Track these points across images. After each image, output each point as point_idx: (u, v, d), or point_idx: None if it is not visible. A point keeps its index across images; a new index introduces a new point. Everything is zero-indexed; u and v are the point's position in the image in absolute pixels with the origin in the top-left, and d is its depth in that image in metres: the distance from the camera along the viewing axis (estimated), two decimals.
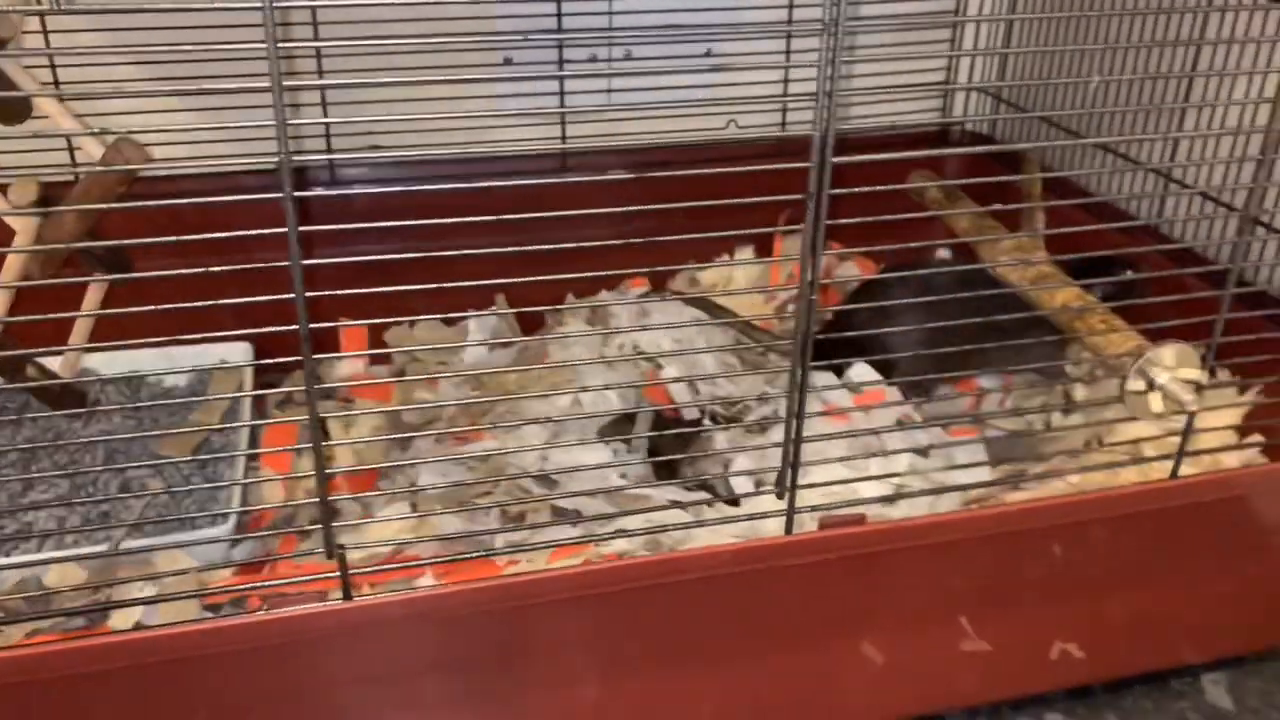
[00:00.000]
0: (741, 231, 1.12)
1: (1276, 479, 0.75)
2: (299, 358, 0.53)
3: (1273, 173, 0.66)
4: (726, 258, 1.21)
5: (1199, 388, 0.67)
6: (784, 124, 1.24)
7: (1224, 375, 0.86)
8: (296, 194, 0.50)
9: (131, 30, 0.90)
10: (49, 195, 0.76)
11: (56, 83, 0.97)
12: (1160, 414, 0.67)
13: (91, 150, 0.72)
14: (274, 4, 0.45)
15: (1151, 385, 0.67)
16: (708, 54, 1.17)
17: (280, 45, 0.48)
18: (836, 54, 0.54)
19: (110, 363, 0.99)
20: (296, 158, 0.50)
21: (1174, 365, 0.67)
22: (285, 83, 0.48)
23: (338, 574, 0.59)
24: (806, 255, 0.58)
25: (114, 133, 0.67)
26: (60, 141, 0.95)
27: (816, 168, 0.56)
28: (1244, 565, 0.81)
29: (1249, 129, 0.65)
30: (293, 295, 0.52)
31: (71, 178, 0.88)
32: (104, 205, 0.68)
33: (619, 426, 0.93)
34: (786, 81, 1.20)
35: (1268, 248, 0.88)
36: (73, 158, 0.97)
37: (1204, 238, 0.97)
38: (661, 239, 0.60)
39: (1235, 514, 0.76)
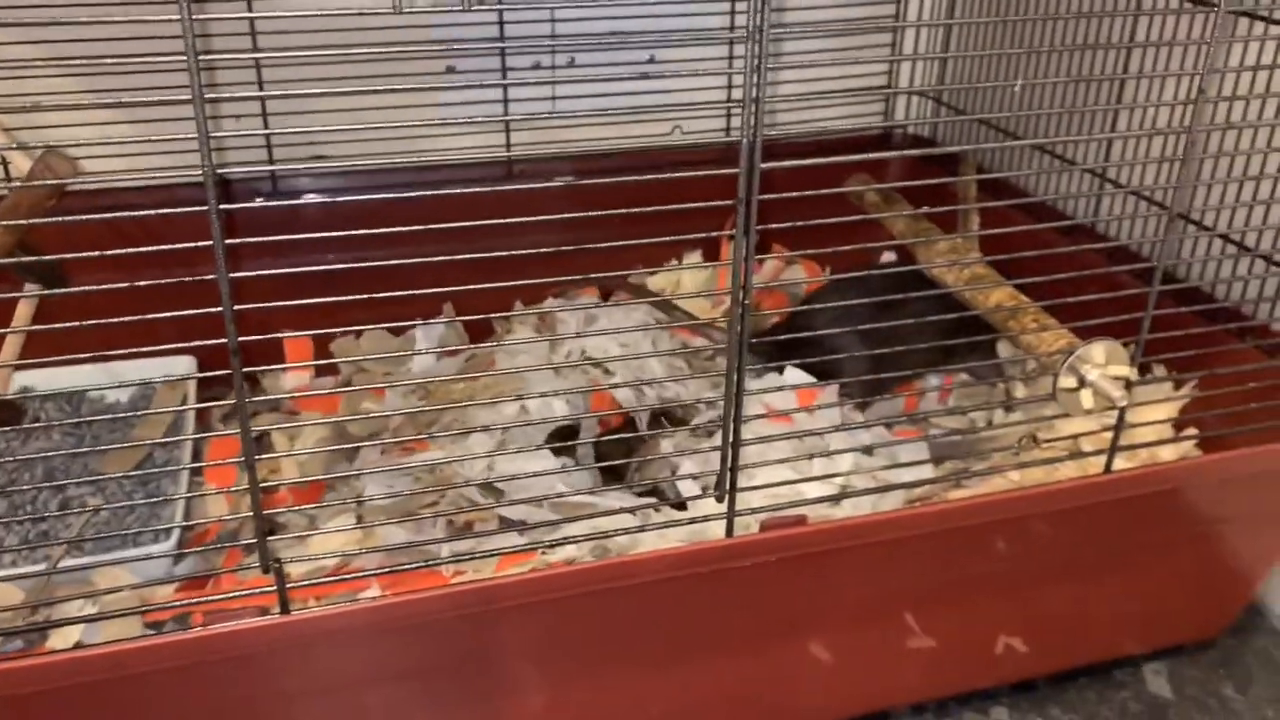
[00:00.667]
0: (686, 236, 1.12)
1: (1209, 471, 0.77)
2: (229, 371, 0.52)
3: (1200, 172, 0.67)
4: (674, 263, 1.22)
5: (1128, 384, 0.68)
6: (728, 129, 1.25)
7: (1160, 370, 0.87)
8: (223, 206, 0.49)
9: (59, 43, 0.88)
10: None
11: None
12: (1091, 410, 0.68)
13: (20, 164, 0.71)
14: (193, 17, 0.45)
15: (1083, 382, 0.68)
16: (650, 60, 1.18)
17: (213, 56, 0.48)
18: (763, 60, 0.55)
19: (50, 380, 0.97)
20: (223, 169, 0.50)
21: (1104, 362, 0.68)
22: (213, 95, 0.48)
23: (274, 588, 0.58)
24: (739, 260, 0.59)
25: (40, 146, 0.66)
26: None
27: (745, 173, 0.56)
28: (1181, 557, 0.82)
29: (1175, 129, 0.67)
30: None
31: (3, 192, 0.87)
32: (32, 220, 0.67)
33: (564, 435, 0.93)
34: (730, 88, 1.21)
35: (1198, 244, 0.90)
36: (6, 171, 0.96)
37: (1138, 236, 0.99)
38: (606, 244, 0.61)
39: (1170, 506, 0.78)
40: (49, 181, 0.60)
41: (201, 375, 0.92)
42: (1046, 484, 0.74)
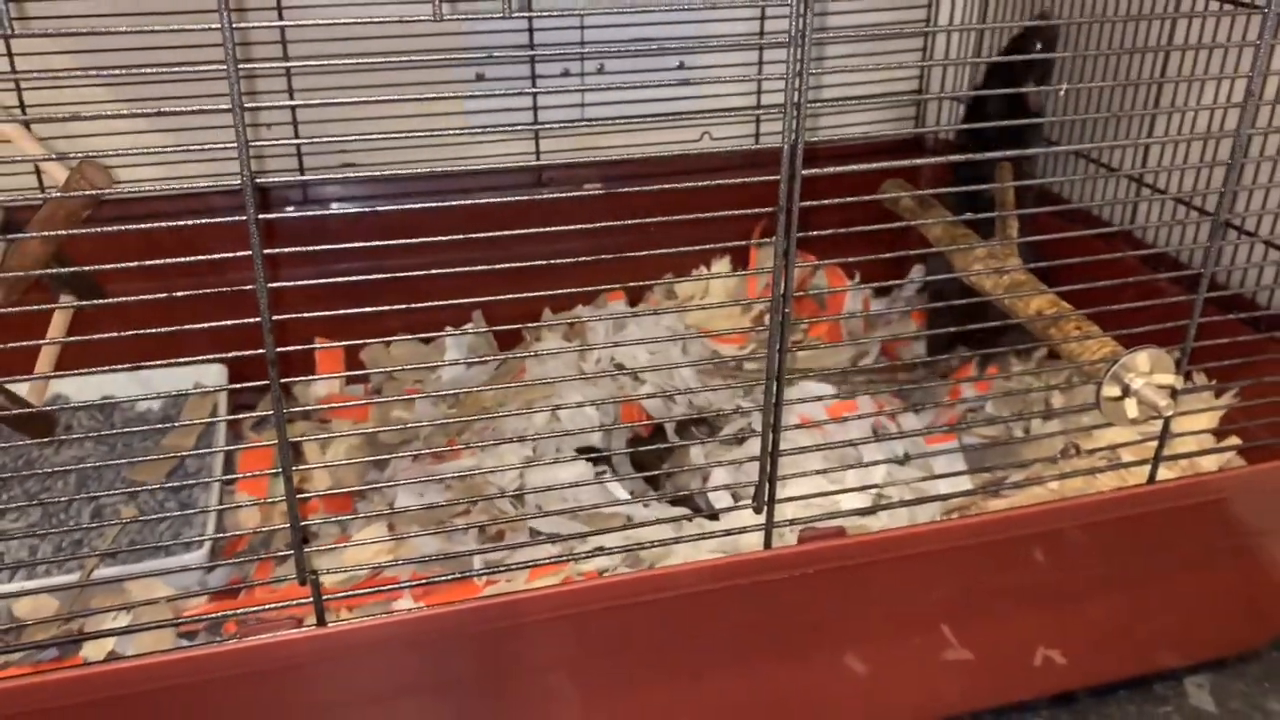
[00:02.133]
0: (714, 246, 1.12)
1: (1253, 481, 0.75)
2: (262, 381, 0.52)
3: (1242, 177, 0.66)
4: (703, 270, 1.21)
5: (1174, 393, 0.67)
6: (758, 136, 1.24)
7: (1200, 379, 0.86)
8: (261, 215, 0.49)
9: (95, 52, 0.89)
10: (13, 220, 0.75)
11: (22, 106, 0.96)
12: (1135, 420, 0.67)
13: (56, 175, 0.71)
14: (234, 25, 0.45)
15: (1127, 391, 0.67)
16: (680, 67, 1.17)
17: (245, 65, 0.47)
18: (805, 65, 0.54)
19: (82, 389, 0.98)
20: (261, 178, 0.49)
21: (1149, 371, 0.67)
22: (249, 103, 0.47)
23: (310, 600, 0.58)
24: (779, 268, 0.58)
25: (76, 156, 0.66)
26: (26, 166, 0.94)
27: (785, 180, 0.55)
28: (1223, 568, 0.81)
29: (1218, 134, 0.65)
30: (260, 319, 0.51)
31: (39, 203, 0.87)
32: (68, 232, 0.67)
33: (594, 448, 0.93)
34: (759, 94, 1.20)
35: (1239, 251, 0.89)
36: (40, 182, 0.96)
37: (1177, 243, 0.98)
38: (635, 254, 0.60)
39: (1213, 517, 0.76)
40: (85, 192, 0.60)
41: (234, 387, 0.91)
42: (1088, 494, 0.72)
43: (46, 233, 0.65)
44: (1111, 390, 0.68)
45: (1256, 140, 0.85)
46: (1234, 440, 0.84)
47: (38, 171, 0.96)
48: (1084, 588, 0.78)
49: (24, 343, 0.58)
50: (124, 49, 0.59)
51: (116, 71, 0.47)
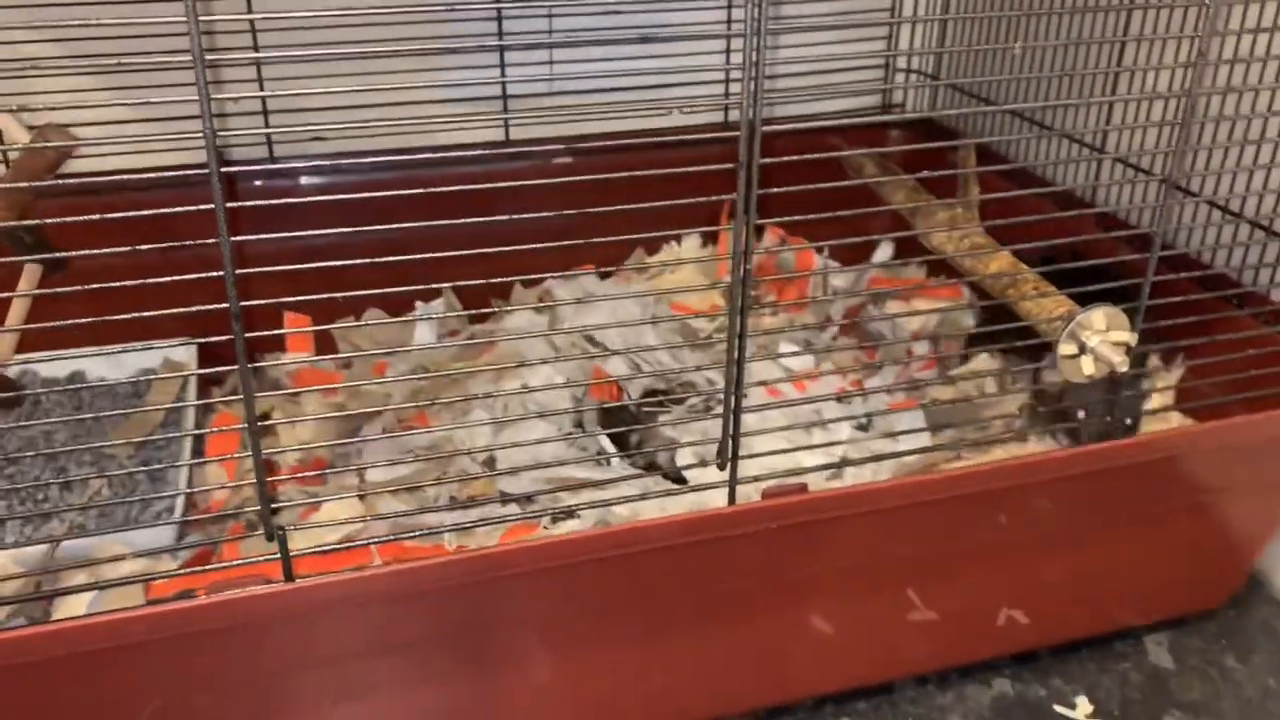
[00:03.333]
0: (679, 231, 1.13)
1: (1207, 439, 0.77)
2: (230, 338, 0.52)
3: (1192, 137, 0.67)
4: (674, 245, 1.22)
5: (1129, 349, 0.68)
6: (726, 119, 1.25)
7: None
8: (224, 169, 0.49)
9: (47, 6, 0.88)
10: None
11: None
12: (1092, 376, 0.68)
13: (15, 133, 0.71)
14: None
15: (1083, 349, 0.68)
16: (643, 41, 1.17)
17: (214, 18, 0.48)
18: (763, 23, 0.55)
19: (51, 368, 0.98)
20: (223, 139, 0.50)
21: (1105, 328, 0.68)
22: (213, 77, 0.48)
23: (278, 556, 0.58)
24: (739, 224, 0.59)
25: (32, 110, 0.66)
26: None
27: (745, 138, 0.56)
28: (1180, 527, 0.83)
29: (1174, 93, 0.67)
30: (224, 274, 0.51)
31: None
32: (33, 183, 0.67)
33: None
34: (728, 81, 1.21)
35: (1187, 211, 0.90)
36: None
37: (1134, 202, 0.99)
38: (605, 220, 0.61)
39: (1169, 475, 0.78)
40: (51, 143, 0.60)
41: (203, 342, 0.91)
42: (1045, 453, 0.74)
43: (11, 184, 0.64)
44: (1068, 348, 0.69)
45: (1207, 103, 0.87)
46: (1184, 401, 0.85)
47: None
48: (1044, 547, 0.79)
49: None
50: (74, 3, 0.58)
51: (74, 26, 0.47)
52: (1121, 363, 0.68)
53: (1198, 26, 0.63)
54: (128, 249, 0.51)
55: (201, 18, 0.47)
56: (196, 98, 0.48)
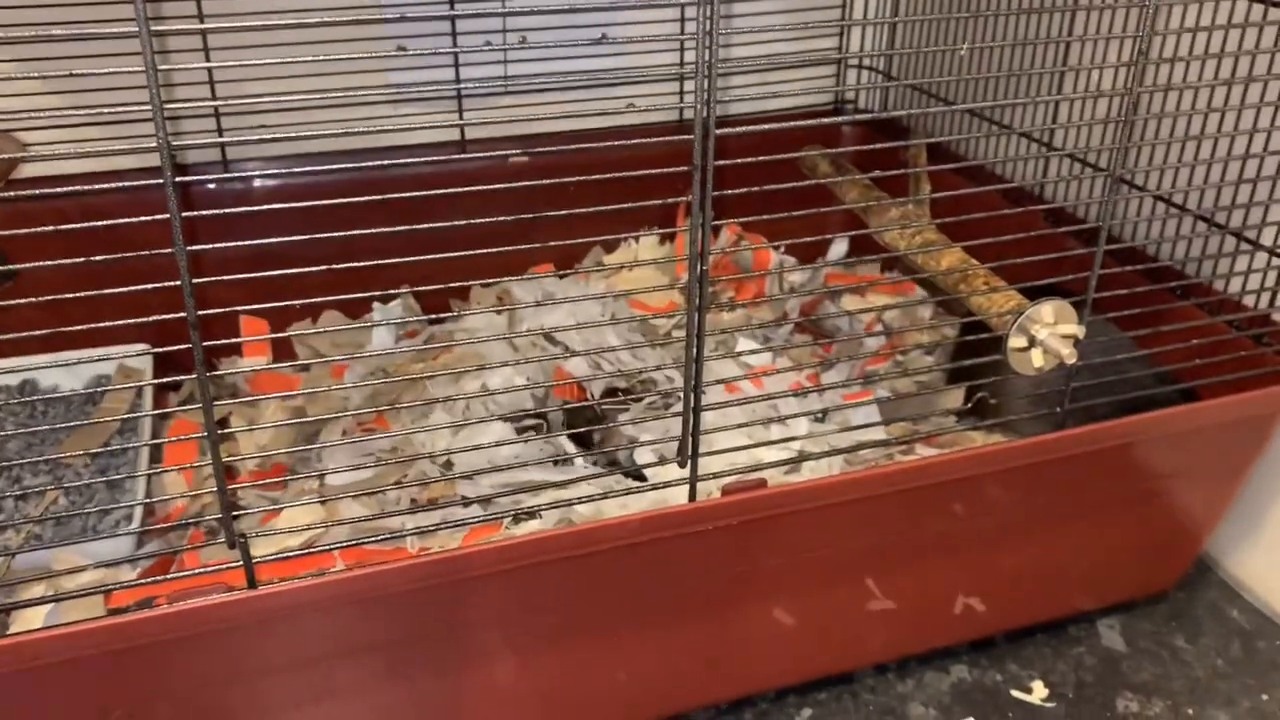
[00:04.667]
0: (635, 234, 1.13)
1: (1154, 427, 0.79)
2: (188, 345, 0.52)
3: (1135, 133, 0.69)
4: (632, 244, 1.23)
5: (1077, 341, 0.70)
6: (681, 115, 1.26)
7: None
8: (179, 179, 0.49)
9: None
10: None
11: None
12: (1041, 368, 0.70)
13: None
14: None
15: (1033, 342, 0.70)
16: (602, 39, 1.18)
17: (163, 18, 0.47)
18: (715, 23, 0.55)
19: (2, 378, 0.97)
20: (177, 141, 0.50)
21: (1053, 321, 0.70)
22: (162, 66, 0.48)
23: (240, 563, 0.58)
24: (695, 226, 0.59)
25: None
26: None
27: (699, 138, 0.57)
28: (1130, 513, 0.85)
29: (1117, 90, 0.68)
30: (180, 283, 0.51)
31: None
32: None
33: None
34: (682, 79, 1.21)
35: (1132, 205, 0.92)
36: None
37: (1080, 198, 1.02)
38: (559, 218, 0.61)
39: (1118, 463, 0.80)
40: (1, 153, 0.59)
41: (159, 350, 0.91)
42: (996, 444, 0.75)
43: None
44: (1018, 341, 0.70)
45: (1149, 100, 0.89)
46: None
47: None
48: (999, 535, 0.81)
49: None
50: (20, 6, 0.57)
51: (19, 28, 0.46)
52: (1070, 355, 0.69)
53: (1139, 27, 0.65)
54: (83, 259, 0.50)
55: (158, 29, 0.46)
56: (149, 103, 0.47)
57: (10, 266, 0.70)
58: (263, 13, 0.96)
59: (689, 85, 1.17)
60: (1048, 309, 0.70)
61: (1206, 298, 0.87)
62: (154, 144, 0.47)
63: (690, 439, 0.66)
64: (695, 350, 0.63)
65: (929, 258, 0.77)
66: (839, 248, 1.22)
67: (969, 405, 0.82)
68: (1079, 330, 0.70)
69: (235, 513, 0.58)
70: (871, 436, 0.85)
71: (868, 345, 1.04)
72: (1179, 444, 0.81)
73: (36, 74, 0.48)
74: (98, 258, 0.51)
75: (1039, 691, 0.83)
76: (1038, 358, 0.70)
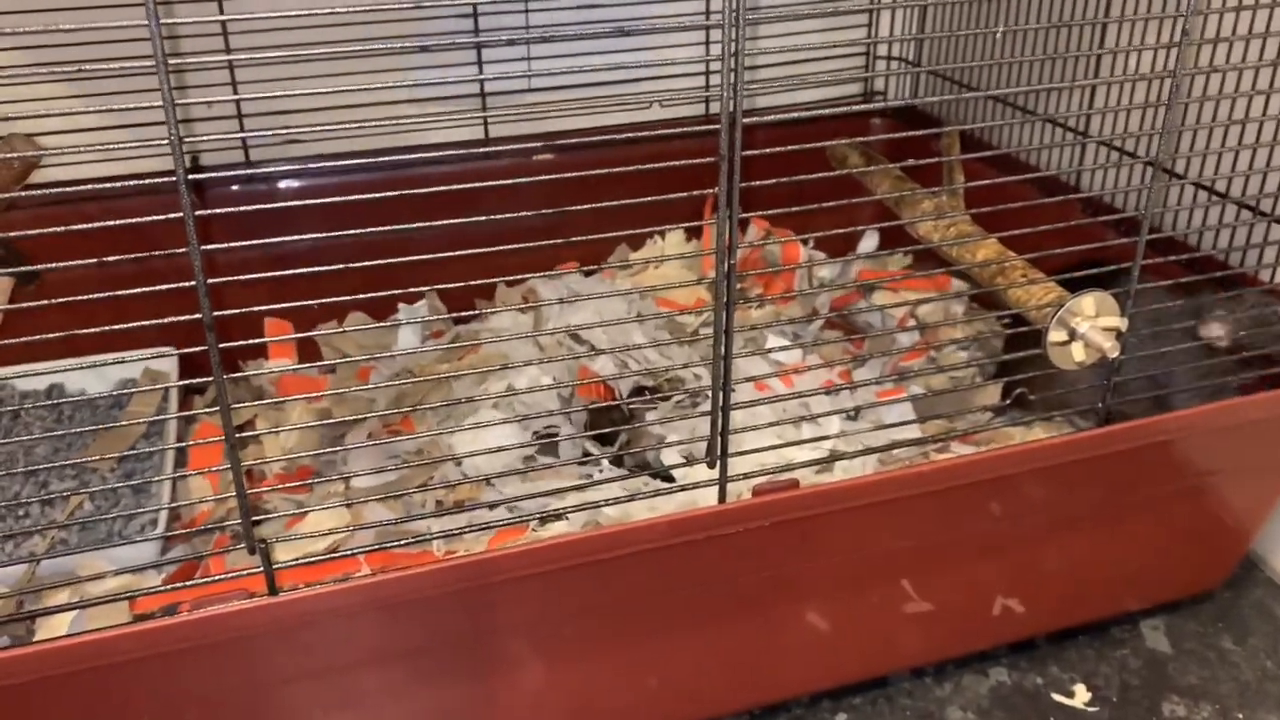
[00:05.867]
0: (664, 227, 1.12)
1: (1201, 422, 0.76)
2: (203, 347, 0.51)
3: (1177, 119, 0.67)
4: (658, 241, 1.21)
5: (1119, 334, 0.68)
6: (707, 114, 1.24)
7: None
8: (192, 177, 0.48)
9: (11, 14, 0.86)
10: None
11: None
12: (1083, 363, 0.68)
13: None
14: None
15: (1073, 335, 0.68)
16: (623, 34, 1.17)
17: (176, 21, 0.47)
18: (741, 13, 0.54)
19: (30, 382, 0.97)
20: (190, 145, 0.49)
21: (1094, 314, 0.68)
22: (176, 62, 0.47)
23: (261, 569, 0.57)
24: (722, 219, 0.58)
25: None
26: None
27: (726, 128, 0.55)
28: (1175, 511, 0.82)
29: (1158, 74, 0.66)
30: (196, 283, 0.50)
31: None
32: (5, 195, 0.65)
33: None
34: (708, 74, 1.20)
35: (1172, 194, 0.90)
36: None
37: (1118, 186, 0.99)
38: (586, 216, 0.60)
39: (1163, 459, 0.77)
40: (18, 154, 0.59)
41: (185, 352, 0.90)
42: (1034, 441, 0.73)
43: None
44: (1058, 335, 0.68)
45: (1191, 83, 0.87)
46: None
47: None
48: (1039, 534, 0.79)
49: None
50: (35, 11, 0.56)
51: (35, 33, 0.46)
52: (1112, 348, 0.67)
53: (1180, 6, 0.63)
54: (97, 260, 0.50)
55: (168, 20, 0.45)
56: (162, 103, 0.47)
57: (33, 268, 0.69)
58: (283, 15, 0.95)
59: (715, 79, 1.16)
60: (1089, 301, 0.68)
61: (1252, 287, 0.84)
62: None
63: (719, 439, 0.64)
64: (723, 348, 0.61)
65: (964, 250, 0.75)
66: (870, 241, 1.20)
67: (1008, 401, 0.79)
68: (1121, 323, 0.68)
69: (257, 518, 0.57)
70: (906, 435, 0.83)
71: (900, 341, 1.02)
72: (1226, 439, 0.79)
73: (51, 75, 0.47)
74: (111, 258, 0.50)
75: (1081, 695, 0.81)
76: (1079, 352, 0.68)
